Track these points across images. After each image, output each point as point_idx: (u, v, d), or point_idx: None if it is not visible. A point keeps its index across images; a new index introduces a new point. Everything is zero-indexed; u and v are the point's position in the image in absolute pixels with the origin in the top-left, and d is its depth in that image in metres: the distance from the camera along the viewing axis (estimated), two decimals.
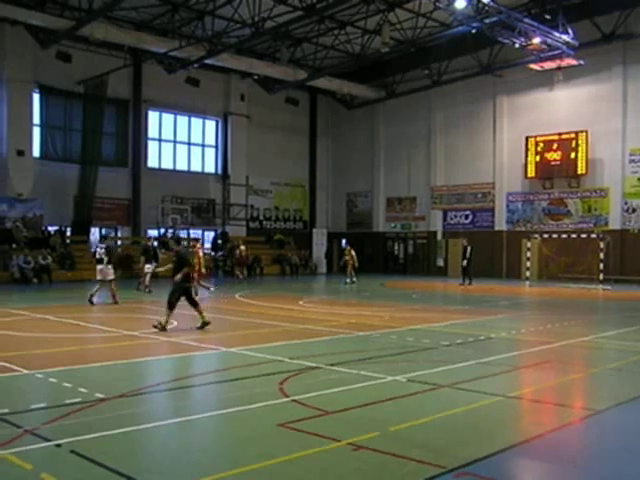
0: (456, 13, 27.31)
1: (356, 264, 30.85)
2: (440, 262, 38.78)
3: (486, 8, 26.66)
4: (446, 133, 38.56)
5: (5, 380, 8.90)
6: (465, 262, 29.40)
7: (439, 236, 39.21)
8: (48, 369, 9.35)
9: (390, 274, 38.87)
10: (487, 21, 27.57)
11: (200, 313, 14.10)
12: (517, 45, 29.48)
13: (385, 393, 8.20)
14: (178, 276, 13.75)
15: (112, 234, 36.78)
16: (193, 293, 15.16)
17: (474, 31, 29.26)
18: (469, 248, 29.49)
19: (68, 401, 7.50)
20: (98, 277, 19.54)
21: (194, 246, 23.73)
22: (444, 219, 39.09)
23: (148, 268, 23.61)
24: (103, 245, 20.25)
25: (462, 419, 7.17)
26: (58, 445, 5.92)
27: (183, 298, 14.02)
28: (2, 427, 6.49)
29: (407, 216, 40.90)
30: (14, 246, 29.60)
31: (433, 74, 36.85)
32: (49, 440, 6.05)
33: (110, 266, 19.40)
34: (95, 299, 19.21)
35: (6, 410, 7.08)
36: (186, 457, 5.88)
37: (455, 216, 38.50)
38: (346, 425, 6.82)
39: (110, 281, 19.40)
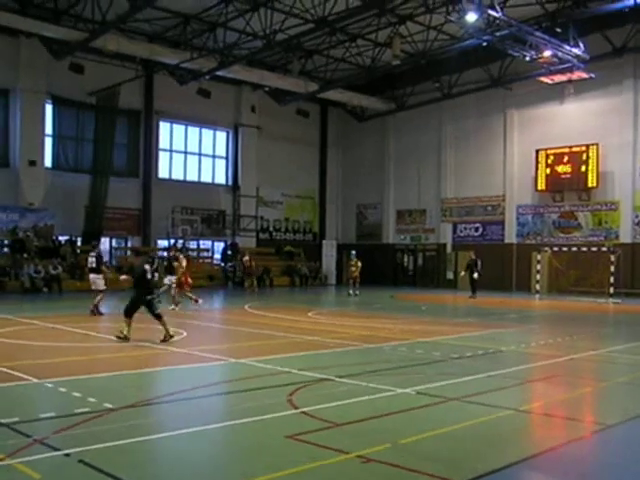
0: (467, 26, 27.32)
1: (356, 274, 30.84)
2: (450, 275, 38.68)
3: (497, 21, 26.66)
4: (456, 146, 38.56)
5: (15, 389, 8.92)
6: (476, 275, 29.30)
7: (449, 249, 39.15)
8: (58, 378, 9.37)
9: (399, 286, 38.78)
10: (498, 34, 27.56)
11: (164, 326, 13.78)
12: (528, 58, 29.49)
13: (395, 406, 8.17)
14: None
15: (122, 244, 36.95)
16: (171, 303, 15.26)
17: (485, 44, 29.25)
18: (479, 261, 29.43)
19: (77, 410, 7.50)
20: (93, 287, 19.01)
21: (177, 257, 22.27)
22: (454, 232, 39.03)
23: (169, 280, 22.02)
24: (94, 253, 19.48)
25: (472, 432, 7.13)
26: (67, 455, 5.92)
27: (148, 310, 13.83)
28: (11, 436, 6.49)
29: (417, 228, 40.85)
30: (25, 255, 29.71)
31: (443, 87, 36.89)
32: (58, 449, 6.05)
33: (101, 276, 18.84)
34: (103, 309, 19.02)
35: (16, 419, 7.08)
36: (195, 468, 5.87)
37: (465, 229, 38.43)
38: (355, 437, 6.79)
39: (101, 291, 18.80)
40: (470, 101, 36.86)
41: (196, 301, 22.10)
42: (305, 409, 7.80)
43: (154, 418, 7.64)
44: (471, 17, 26.05)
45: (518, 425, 7.67)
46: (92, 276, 18.93)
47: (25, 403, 8.24)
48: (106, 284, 19.09)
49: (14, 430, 6.70)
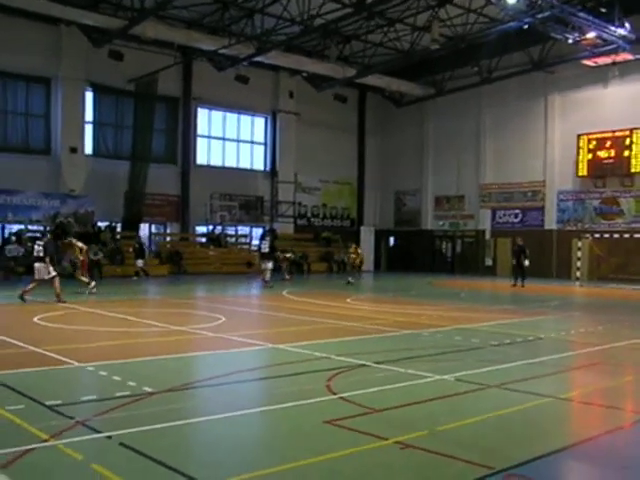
0: (507, 8, 26.95)
1: (361, 263, 30.18)
2: (488, 261, 38.37)
3: (539, 2, 26.21)
4: (496, 131, 38.12)
5: (58, 372, 9.08)
6: (527, 262, 28.22)
7: (487, 235, 38.80)
8: (98, 362, 9.50)
9: (437, 273, 38.55)
10: (539, 16, 27.09)
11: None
12: (570, 40, 28.98)
13: (432, 392, 8.13)
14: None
15: (161, 230, 37.33)
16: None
17: (526, 27, 28.77)
18: (527, 248, 28.67)
19: (117, 394, 7.59)
20: (36, 276, 18.33)
21: (69, 241, 22.74)
22: (493, 218, 38.66)
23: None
24: (41, 242, 18.85)
25: (511, 420, 7.07)
26: (108, 437, 6.00)
27: None
28: (55, 418, 6.60)
29: (455, 214, 40.55)
30: (67, 240, 30.11)
31: (483, 71, 36.44)
32: (99, 432, 6.14)
33: (47, 264, 18.19)
34: (28, 297, 18.06)
35: (59, 401, 7.20)
36: (233, 452, 5.91)
37: (504, 215, 38.04)
38: (393, 424, 6.77)
39: (51, 279, 18.16)
40: (510, 85, 36.35)
41: (88, 284, 21.45)
42: (343, 395, 7.80)
43: (193, 402, 7.70)
44: None
45: (557, 413, 7.58)
46: (37, 265, 18.30)
47: (67, 386, 8.38)
48: (51, 272, 18.29)
49: (57, 412, 6.81)
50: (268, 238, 27.04)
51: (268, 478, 5.21)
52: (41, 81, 32.24)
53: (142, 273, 29.72)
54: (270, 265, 25.93)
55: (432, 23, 29.62)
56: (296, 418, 7.05)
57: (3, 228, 31.10)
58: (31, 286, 18.27)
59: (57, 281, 18.31)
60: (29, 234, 30.28)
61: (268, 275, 25.68)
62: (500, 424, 6.87)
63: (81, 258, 21.64)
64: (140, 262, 29.84)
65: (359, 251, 30.20)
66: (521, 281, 28.03)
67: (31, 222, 30.93)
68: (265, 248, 26.17)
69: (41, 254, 18.33)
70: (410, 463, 5.62)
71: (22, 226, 30.47)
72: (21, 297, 17.92)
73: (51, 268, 18.20)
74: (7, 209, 30.14)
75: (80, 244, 21.63)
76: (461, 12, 30.48)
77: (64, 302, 17.87)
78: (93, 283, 21.50)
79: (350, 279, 28.35)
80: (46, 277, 18.19)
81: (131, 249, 30.46)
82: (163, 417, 6.71)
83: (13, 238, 29.59)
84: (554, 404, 7.81)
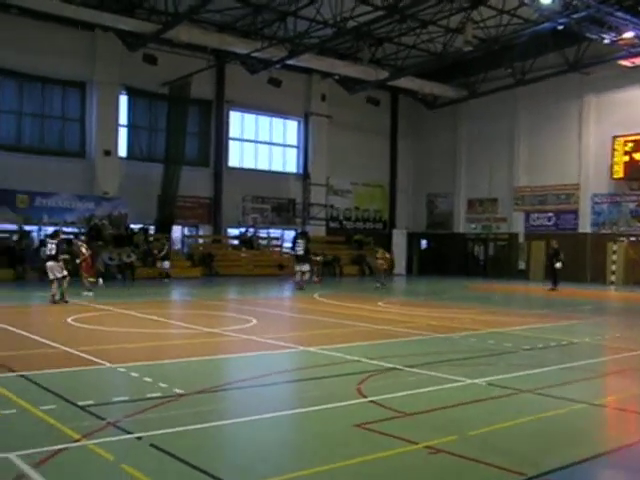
0: (542, 9, 26.67)
1: (388, 267, 28.99)
2: (522, 265, 37.98)
3: (574, 2, 25.87)
4: (529, 133, 37.74)
5: (90, 373, 9.17)
6: (559, 264, 27.76)
7: (521, 238, 38.41)
8: (130, 363, 9.57)
9: (470, 276, 38.22)
10: (575, 16, 26.72)
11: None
12: (607, 41, 28.55)
13: (464, 396, 8.06)
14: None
15: (194, 232, 37.55)
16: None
17: (560, 27, 28.44)
18: (561, 251, 28.25)
19: (149, 395, 7.65)
20: (50, 276, 18.37)
21: (75, 243, 22.89)
22: (526, 221, 38.26)
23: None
24: (54, 241, 18.85)
25: (544, 425, 6.96)
26: (139, 438, 6.04)
27: None
28: (86, 418, 6.66)
29: (488, 217, 40.20)
30: (100, 243, 30.51)
31: (517, 73, 36.08)
32: (130, 433, 6.18)
33: (60, 263, 18.41)
34: (58, 298, 18.25)
35: (91, 402, 7.27)
36: (262, 455, 5.91)
37: (538, 218, 37.63)
38: (423, 428, 6.72)
39: (62, 278, 18.29)
40: (544, 87, 35.91)
41: (95, 285, 21.99)
42: (373, 398, 7.76)
43: (223, 404, 7.72)
44: None
45: (591, 420, 7.47)
46: (50, 264, 18.33)
47: (99, 387, 8.45)
48: (63, 271, 18.50)
49: (89, 412, 6.88)
50: (303, 241, 27.25)
51: None
52: (77, 85, 32.64)
53: (165, 275, 29.84)
54: (306, 267, 26.22)
55: (465, 25, 29.41)
56: (326, 421, 7.03)
57: (39, 230, 31.50)
58: (54, 288, 18.37)
59: (66, 282, 18.51)
60: (64, 236, 30.63)
61: (306, 276, 26.09)
62: (532, 430, 6.77)
63: (82, 258, 21.53)
64: (167, 264, 29.98)
65: (387, 255, 29.55)
66: (553, 285, 27.68)
67: (66, 224, 31.29)
68: (300, 251, 26.39)
69: (53, 252, 18.48)
70: (440, 468, 5.56)
71: (57, 228, 30.80)
72: (54, 301, 18.10)
73: (62, 267, 18.42)
74: (42, 211, 30.54)
75: (84, 248, 21.59)
76: (494, 13, 30.22)
77: (66, 302, 18.07)
78: (100, 280, 22.37)
79: (377, 284, 27.39)
80: (59, 275, 18.28)
81: (156, 251, 30.54)
82: (193, 419, 6.74)
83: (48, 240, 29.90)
84: (588, 410, 7.69)
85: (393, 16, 29.78)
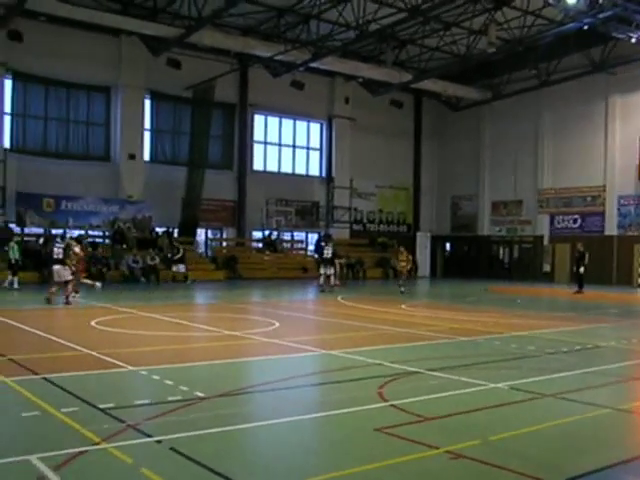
0: (567, 9, 26.42)
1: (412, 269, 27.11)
2: (547, 267, 37.64)
3: (600, 1, 25.59)
4: (554, 134, 37.40)
5: (112, 376, 9.20)
6: (582, 269, 27.43)
7: (546, 241, 38.08)
8: (151, 366, 9.59)
9: (495, 279, 37.94)
10: (601, 16, 26.45)
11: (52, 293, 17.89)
12: (634, 40, 28.24)
13: (486, 401, 7.97)
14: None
15: (218, 235, 37.68)
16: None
17: (586, 27, 28.17)
18: (587, 254, 27.94)
19: (169, 398, 7.64)
20: (55, 279, 18.72)
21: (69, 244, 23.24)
22: (551, 223, 37.93)
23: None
24: (61, 245, 19.17)
25: (567, 431, 6.87)
26: (158, 441, 6.03)
27: None
28: (107, 421, 6.68)
29: (513, 220, 39.91)
30: (124, 246, 30.71)
31: (541, 74, 35.82)
32: (150, 436, 6.18)
33: (67, 267, 18.63)
34: (54, 299, 18.59)
35: (111, 404, 7.29)
36: (282, 458, 5.89)
37: (563, 220, 37.28)
38: (445, 432, 6.66)
39: (66, 282, 18.62)
40: (569, 88, 35.59)
41: (93, 286, 22.14)
42: (395, 402, 7.71)
43: (244, 408, 7.70)
44: None
45: (616, 425, 7.34)
46: (57, 267, 18.57)
47: (120, 389, 8.48)
48: (73, 274, 18.87)
49: (109, 415, 6.90)
50: (331, 244, 27.57)
51: None
52: (102, 90, 32.97)
53: (187, 278, 29.84)
54: (331, 270, 26.32)
55: (489, 26, 29.26)
56: (346, 425, 7.00)
57: (64, 233, 31.73)
58: (54, 289, 18.72)
59: (71, 286, 18.77)
60: (89, 239, 30.94)
61: (332, 280, 26.08)
62: (555, 435, 6.67)
63: (76, 258, 21.59)
64: (182, 267, 29.95)
65: (409, 257, 28.43)
66: (578, 288, 27.36)
67: (91, 227, 31.61)
68: (328, 254, 26.53)
69: (61, 256, 18.72)
70: (460, 473, 5.50)
71: (82, 231, 31.11)
72: (49, 300, 18.45)
73: (69, 270, 18.64)
74: (68, 215, 30.83)
75: (77, 249, 21.62)
76: (518, 14, 30.00)
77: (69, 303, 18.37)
78: (98, 284, 22.36)
79: (402, 289, 26.02)
80: (65, 278, 18.55)
81: (169, 254, 30.54)
82: (213, 422, 6.73)
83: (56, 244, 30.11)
84: (612, 415, 7.57)
85: (416, 18, 29.71)
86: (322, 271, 26.41)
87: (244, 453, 6.12)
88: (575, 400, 8.07)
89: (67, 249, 19.05)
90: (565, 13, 27.52)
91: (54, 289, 18.77)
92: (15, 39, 29.42)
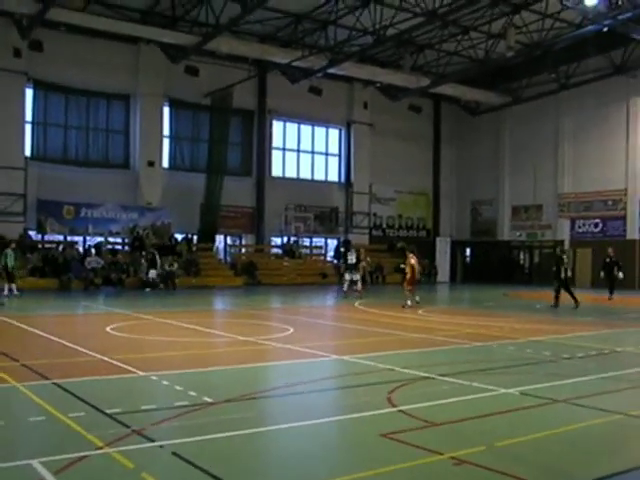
0: (586, 11, 26.23)
1: (417, 275, 22.70)
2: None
3: (619, 3, 25.36)
4: (574, 138, 37.11)
5: (122, 381, 9.22)
6: (621, 274, 26.55)
7: (566, 245, 37.71)
8: (162, 372, 9.59)
9: (515, 284, 37.65)
10: (620, 17, 26.22)
11: None
12: None
13: (496, 406, 7.89)
14: None
15: (237, 241, 37.75)
16: None
17: (606, 29, 27.94)
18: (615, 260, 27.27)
19: (176, 404, 7.63)
20: None
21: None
22: (572, 228, 37.61)
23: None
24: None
25: (576, 437, 6.76)
26: (161, 446, 6.02)
27: None
28: (112, 426, 6.67)
29: (533, 224, 39.63)
30: (144, 253, 30.86)
31: (561, 77, 35.58)
32: (153, 441, 6.17)
33: None
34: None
35: (118, 410, 7.29)
36: (286, 464, 5.85)
37: (584, 224, 36.95)
38: (451, 438, 6.58)
39: None
40: (589, 91, 35.32)
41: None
42: (403, 407, 7.64)
43: (250, 413, 7.66)
44: (590, 1, 24.97)
45: (628, 431, 7.21)
46: None
47: (129, 395, 8.47)
48: None
49: (115, 420, 6.89)
50: (353, 249, 27.83)
51: None
52: (121, 98, 33.25)
53: (166, 284, 29.64)
54: (357, 276, 26.34)
55: (507, 30, 29.14)
56: (352, 431, 6.95)
57: (84, 240, 32.04)
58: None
59: None
60: (109, 246, 31.14)
61: (357, 285, 26.15)
62: (563, 441, 6.57)
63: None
64: (153, 272, 29.71)
65: (412, 262, 22.46)
66: (610, 294, 26.87)
67: (110, 234, 31.80)
68: (352, 259, 26.65)
69: None
70: (462, 479, 5.43)
71: (102, 238, 31.32)
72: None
73: None
74: (87, 222, 31.09)
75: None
76: (537, 18, 29.85)
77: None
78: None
79: (417, 297, 22.49)
80: None
81: (143, 260, 30.16)
82: (218, 427, 6.71)
83: (93, 250, 30.42)
84: (624, 421, 7.43)
85: (434, 23, 29.62)
86: (347, 277, 26.54)
87: (248, 458, 6.07)
88: (586, 406, 7.96)
89: None
90: (584, 15, 27.31)
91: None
92: (36, 49, 29.83)
